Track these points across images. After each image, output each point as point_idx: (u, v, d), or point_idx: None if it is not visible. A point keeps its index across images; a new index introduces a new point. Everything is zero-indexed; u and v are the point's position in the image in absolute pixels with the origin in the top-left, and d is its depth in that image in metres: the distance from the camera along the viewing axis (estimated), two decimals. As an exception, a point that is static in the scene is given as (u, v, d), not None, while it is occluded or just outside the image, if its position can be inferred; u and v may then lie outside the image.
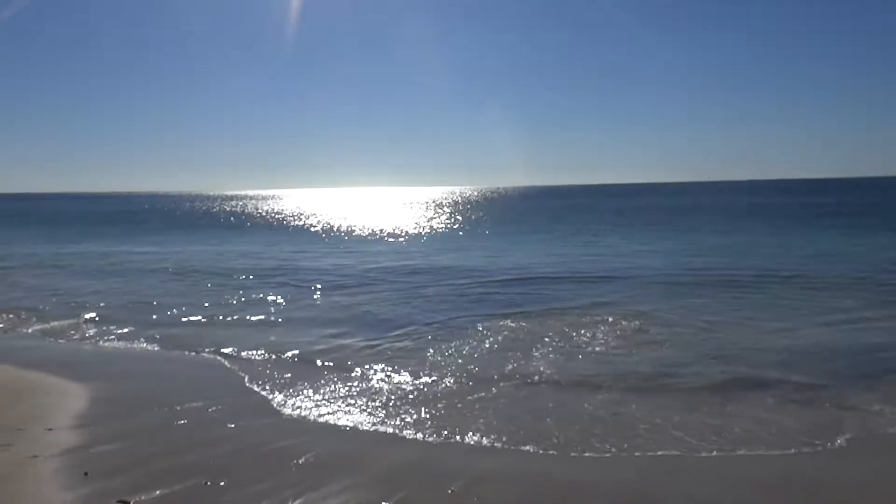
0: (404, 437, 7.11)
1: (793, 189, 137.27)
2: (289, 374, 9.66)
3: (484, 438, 7.03)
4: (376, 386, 9.04)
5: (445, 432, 7.20)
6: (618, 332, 12.02)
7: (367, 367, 10.06)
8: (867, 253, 23.54)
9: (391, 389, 8.87)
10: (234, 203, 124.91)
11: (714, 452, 6.61)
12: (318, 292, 17.59)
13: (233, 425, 7.43)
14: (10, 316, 14.67)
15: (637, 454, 6.62)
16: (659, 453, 6.60)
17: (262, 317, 14.29)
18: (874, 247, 25.42)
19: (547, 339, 11.54)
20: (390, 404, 8.26)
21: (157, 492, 5.66)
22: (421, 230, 43.75)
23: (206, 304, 15.76)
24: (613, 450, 6.72)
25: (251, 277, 20.54)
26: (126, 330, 13.09)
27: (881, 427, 7.26)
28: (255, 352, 11.19)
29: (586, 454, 6.63)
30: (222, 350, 11.28)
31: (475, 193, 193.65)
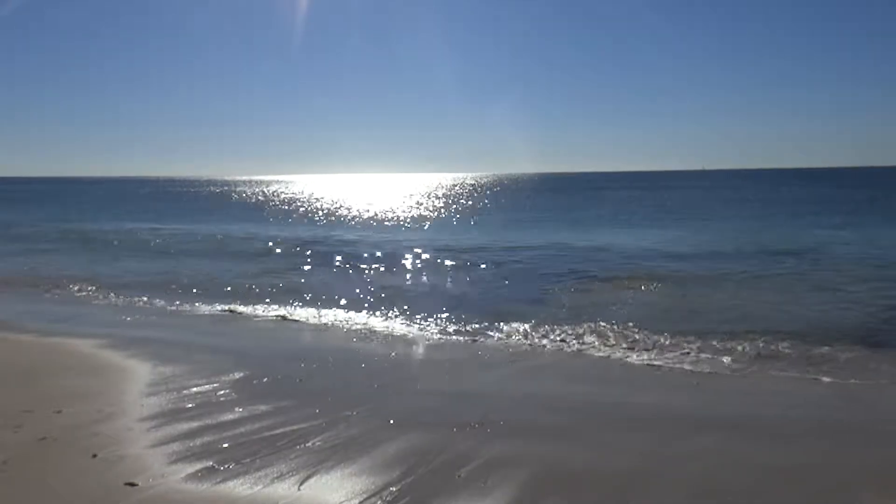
0: (414, 421, 7.05)
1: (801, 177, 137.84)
2: (309, 355, 9.70)
3: (493, 423, 6.96)
4: (392, 366, 9.01)
5: (456, 417, 7.15)
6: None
7: (389, 349, 10.15)
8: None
9: (407, 365, 8.84)
10: (265, 188, 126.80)
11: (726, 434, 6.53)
12: (367, 271, 19.14)
13: (241, 409, 7.41)
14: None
15: (645, 436, 6.55)
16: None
17: (299, 292, 15.48)
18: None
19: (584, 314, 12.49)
20: (402, 385, 8.23)
21: (165, 474, 5.65)
22: (448, 214, 44.10)
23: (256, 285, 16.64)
24: (625, 434, 6.66)
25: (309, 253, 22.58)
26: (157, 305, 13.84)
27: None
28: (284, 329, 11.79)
29: (597, 439, 6.55)
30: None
31: (485, 180, 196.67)
